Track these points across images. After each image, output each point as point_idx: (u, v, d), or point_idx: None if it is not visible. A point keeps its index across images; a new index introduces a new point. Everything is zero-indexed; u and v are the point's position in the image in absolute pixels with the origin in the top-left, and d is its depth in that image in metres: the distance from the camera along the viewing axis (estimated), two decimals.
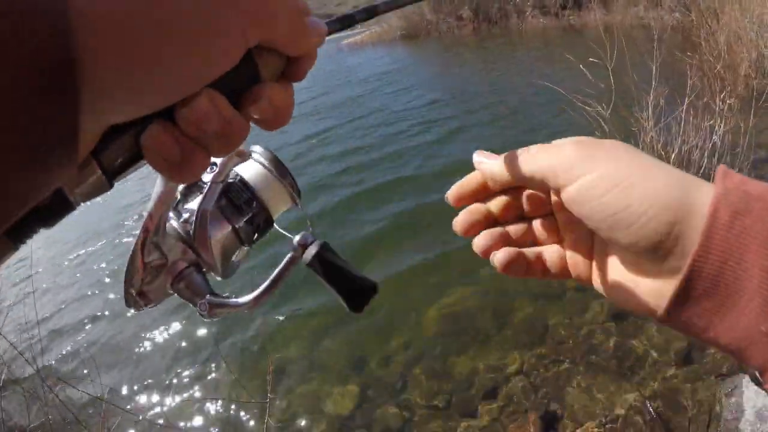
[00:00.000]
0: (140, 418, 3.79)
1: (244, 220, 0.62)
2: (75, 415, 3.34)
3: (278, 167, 0.65)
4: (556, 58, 9.13)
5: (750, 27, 6.98)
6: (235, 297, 0.59)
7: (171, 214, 0.59)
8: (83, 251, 7.20)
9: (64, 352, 5.01)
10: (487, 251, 0.52)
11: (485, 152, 0.54)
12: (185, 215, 0.59)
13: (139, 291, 0.56)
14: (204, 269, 0.60)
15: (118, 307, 5.34)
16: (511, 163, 0.50)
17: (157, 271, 0.56)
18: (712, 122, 4.90)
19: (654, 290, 0.44)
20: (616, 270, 0.48)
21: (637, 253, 0.43)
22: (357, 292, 0.55)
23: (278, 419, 3.54)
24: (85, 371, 4.44)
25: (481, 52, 20.28)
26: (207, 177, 0.59)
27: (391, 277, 4.78)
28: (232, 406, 3.77)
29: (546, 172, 0.47)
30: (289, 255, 0.58)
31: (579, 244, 0.53)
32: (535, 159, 0.49)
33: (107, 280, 6.19)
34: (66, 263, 7.09)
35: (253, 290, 0.58)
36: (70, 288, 6.32)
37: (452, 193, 0.55)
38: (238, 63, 0.34)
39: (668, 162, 3.20)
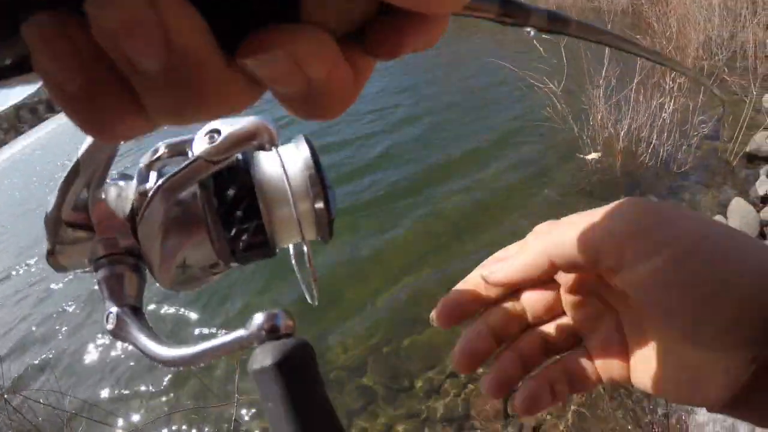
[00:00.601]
0: (104, 423, 3.65)
1: (231, 232, 0.41)
2: (35, 425, 3.21)
3: (314, 177, 0.42)
4: (509, 38, 9.12)
5: (699, 11, 7.09)
6: (158, 335, 0.40)
7: (138, 169, 0.42)
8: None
9: (22, 362, 4.84)
10: (504, 391, 0.42)
11: (493, 261, 0.44)
12: (149, 182, 0.41)
13: (50, 249, 0.41)
14: (144, 267, 0.42)
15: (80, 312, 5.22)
16: (542, 253, 0.40)
17: (77, 239, 0.41)
18: (661, 100, 4.95)
19: (716, 371, 0.34)
20: (667, 360, 0.38)
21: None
22: None
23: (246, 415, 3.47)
24: (46, 379, 4.28)
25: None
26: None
27: (352, 261, 4.71)
28: (200, 411, 3.64)
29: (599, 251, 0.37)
30: (238, 335, 0.38)
31: (608, 342, 0.42)
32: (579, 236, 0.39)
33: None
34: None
35: (182, 344, 0.39)
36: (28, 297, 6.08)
37: (441, 311, 0.43)
38: None
39: (618, 139, 3.19)
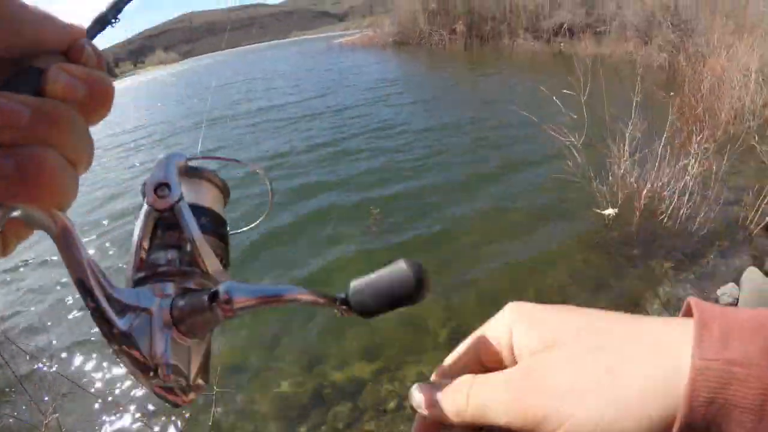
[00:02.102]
0: (87, 392, 3.68)
1: None
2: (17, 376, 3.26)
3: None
4: (540, 84, 9.20)
5: (735, 75, 7.05)
6: None
7: None
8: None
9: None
10: None
11: (426, 385, 0.43)
12: None
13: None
14: None
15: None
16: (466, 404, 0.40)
17: None
18: (686, 162, 4.90)
19: None
20: None
21: None
22: None
23: (225, 413, 3.48)
24: (37, 344, 4.39)
25: (469, 69, 20.41)
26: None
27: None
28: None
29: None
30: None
31: None
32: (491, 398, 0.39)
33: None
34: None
35: None
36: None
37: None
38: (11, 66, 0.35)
39: (639, 197, 3.11)
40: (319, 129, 11.06)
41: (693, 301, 0.36)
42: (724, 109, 6.58)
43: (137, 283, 0.41)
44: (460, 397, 0.40)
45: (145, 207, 0.43)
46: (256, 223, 0.59)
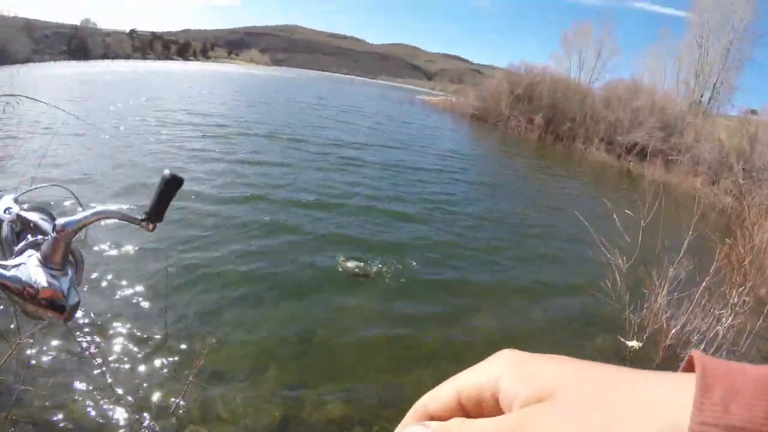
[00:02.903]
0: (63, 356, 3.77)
1: None
2: None
3: None
4: (603, 196, 9.15)
5: None
6: None
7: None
8: None
9: None
10: None
11: (419, 427, 0.42)
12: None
13: None
14: None
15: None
16: None
17: None
18: (722, 312, 4.83)
19: None
20: None
21: None
22: None
23: (192, 408, 3.47)
24: None
25: (537, 164, 20.44)
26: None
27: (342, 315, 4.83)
28: (157, 373, 3.78)
29: None
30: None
31: None
32: None
33: None
34: None
35: None
36: None
37: None
38: None
39: (666, 336, 3.09)
40: (379, 180, 11.08)
41: (696, 355, 0.34)
42: None
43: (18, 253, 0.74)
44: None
45: (2, 224, 0.77)
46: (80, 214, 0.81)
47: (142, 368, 3.81)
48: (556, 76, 34.79)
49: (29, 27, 68.28)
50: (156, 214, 0.74)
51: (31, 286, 0.64)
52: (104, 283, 4.85)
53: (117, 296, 4.69)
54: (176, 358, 3.93)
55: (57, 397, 3.43)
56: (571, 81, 36.40)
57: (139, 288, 4.80)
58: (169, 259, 4.97)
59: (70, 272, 0.71)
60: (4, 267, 0.65)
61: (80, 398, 3.45)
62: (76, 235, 0.73)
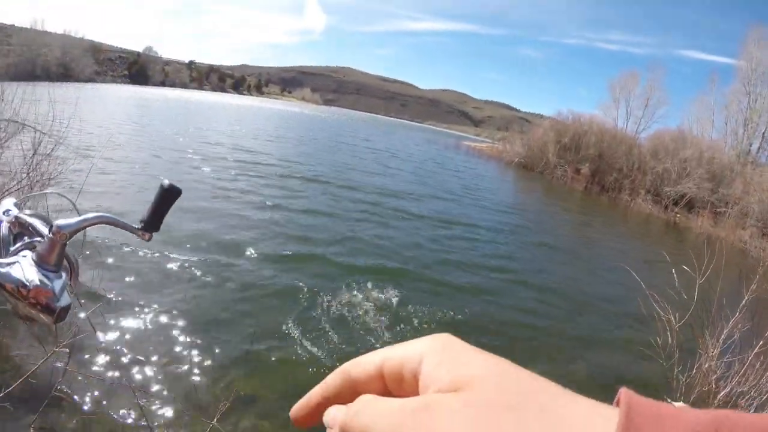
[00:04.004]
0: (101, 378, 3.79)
1: None
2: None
3: None
4: (649, 248, 8.96)
5: None
6: None
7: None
8: None
9: None
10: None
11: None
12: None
13: None
14: None
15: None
16: None
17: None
18: None
19: None
20: None
21: None
22: None
23: (224, 428, 3.46)
24: None
25: (583, 211, 20.19)
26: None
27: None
28: (190, 388, 3.86)
29: None
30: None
31: None
32: None
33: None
34: None
35: None
36: None
37: (297, 409, 0.44)
38: None
39: (713, 398, 3.00)
40: (434, 240, 10.36)
41: (624, 392, 0.31)
42: None
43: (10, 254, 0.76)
44: (353, 413, 0.37)
45: (1, 225, 0.79)
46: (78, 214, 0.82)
47: (173, 385, 3.90)
48: (603, 126, 34.58)
49: (94, 49, 71.70)
50: (153, 223, 0.74)
51: (23, 285, 0.64)
52: (141, 300, 4.97)
53: (153, 314, 4.80)
54: (209, 378, 4.01)
55: (86, 405, 3.51)
56: (618, 131, 36.06)
57: (174, 307, 4.93)
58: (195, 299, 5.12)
59: (63, 275, 0.70)
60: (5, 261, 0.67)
61: (109, 409, 3.53)
62: (73, 238, 0.73)
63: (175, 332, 4.60)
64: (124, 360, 4.09)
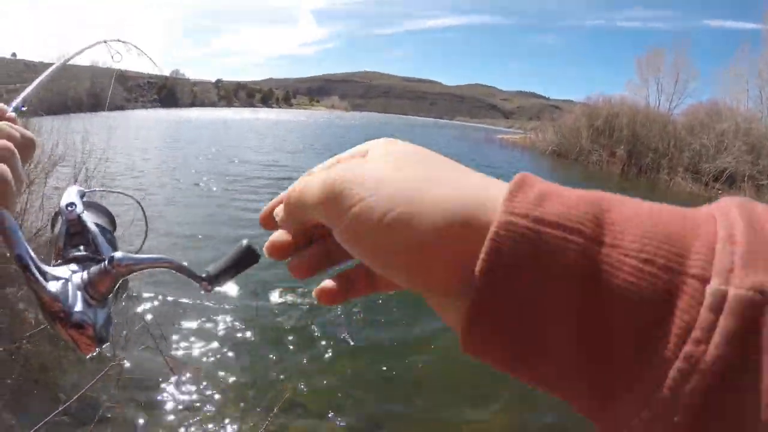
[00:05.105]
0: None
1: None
2: None
3: None
4: None
5: None
6: None
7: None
8: None
9: None
10: (301, 275, 0.45)
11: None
12: None
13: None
14: None
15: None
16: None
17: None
18: None
19: (451, 311, 0.34)
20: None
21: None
22: None
23: None
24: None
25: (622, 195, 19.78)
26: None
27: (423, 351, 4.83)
28: (241, 404, 3.91)
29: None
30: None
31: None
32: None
33: None
34: None
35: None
36: None
37: (261, 214, 0.49)
38: None
39: None
40: None
41: (520, 173, 0.33)
42: None
43: (56, 263, 0.61)
44: (301, 183, 0.41)
45: (60, 218, 0.64)
46: (140, 247, 0.76)
47: (224, 400, 3.94)
48: (635, 106, 33.76)
49: (122, 77, 72.90)
50: (219, 278, 0.61)
51: (64, 309, 0.56)
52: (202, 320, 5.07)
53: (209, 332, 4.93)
54: (258, 392, 4.04)
55: (139, 418, 3.59)
56: (651, 109, 35.13)
57: (229, 326, 5.05)
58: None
59: (108, 307, 0.62)
60: (44, 274, 0.57)
61: (163, 423, 3.62)
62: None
63: (224, 349, 4.67)
64: (174, 376, 4.13)
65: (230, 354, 4.60)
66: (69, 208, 0.64)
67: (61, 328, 0.55)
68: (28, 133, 0.57)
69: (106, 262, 0.56)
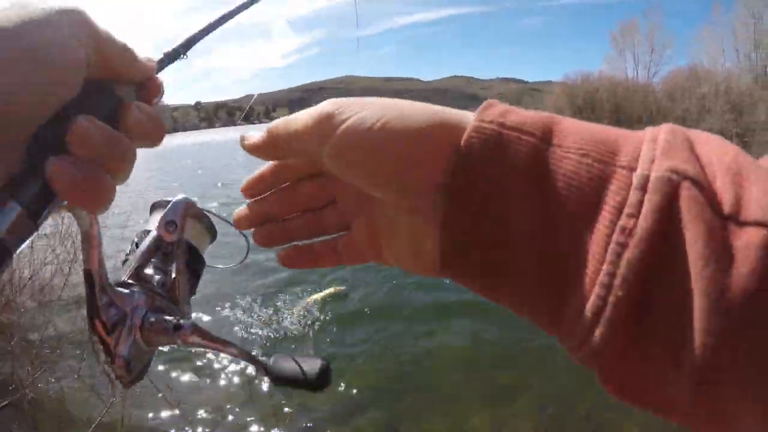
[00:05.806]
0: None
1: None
2: None
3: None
4: None
5: None
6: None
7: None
8: None
9: None
10: (267, 245, 0.51)
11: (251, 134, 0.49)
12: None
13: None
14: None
15: None
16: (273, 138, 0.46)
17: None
18: None
19: (427, 240, 0.40)
20: (399, 236, 0.43)
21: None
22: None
23: None
24: None
25: None
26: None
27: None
28: (253, 414, 3.88)
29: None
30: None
31: (364, 227, 0.47)
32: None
33: None
34: None
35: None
36: None
37: (243, 185, 0.51)
38: (97, 91, 0.39)
39: None
40: None
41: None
42: None
43: (121, 284, 0.50)
44: (280, 119, 0.45)
45: (154, 233, 0.53)
46: (232, 265, 0.68)
47: (235, 418, 3.90)
48: (614, 79, 33.71)
49: None
50: (280, 376, 0.53)
51: (113, 344, 0.50)
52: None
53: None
54: (273, 401, 3.99)
55: None
56: (630, 81, 35.17)
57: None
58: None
59: (151, 356, 0.55)
60: (113, 295, 0.50)
61: None
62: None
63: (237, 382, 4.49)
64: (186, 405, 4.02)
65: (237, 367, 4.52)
66: (169, 229, 0.54)
67: (104, 356, 0.50)
68: (160, 120, 0.44)
69: (172, 326, 0.50)
